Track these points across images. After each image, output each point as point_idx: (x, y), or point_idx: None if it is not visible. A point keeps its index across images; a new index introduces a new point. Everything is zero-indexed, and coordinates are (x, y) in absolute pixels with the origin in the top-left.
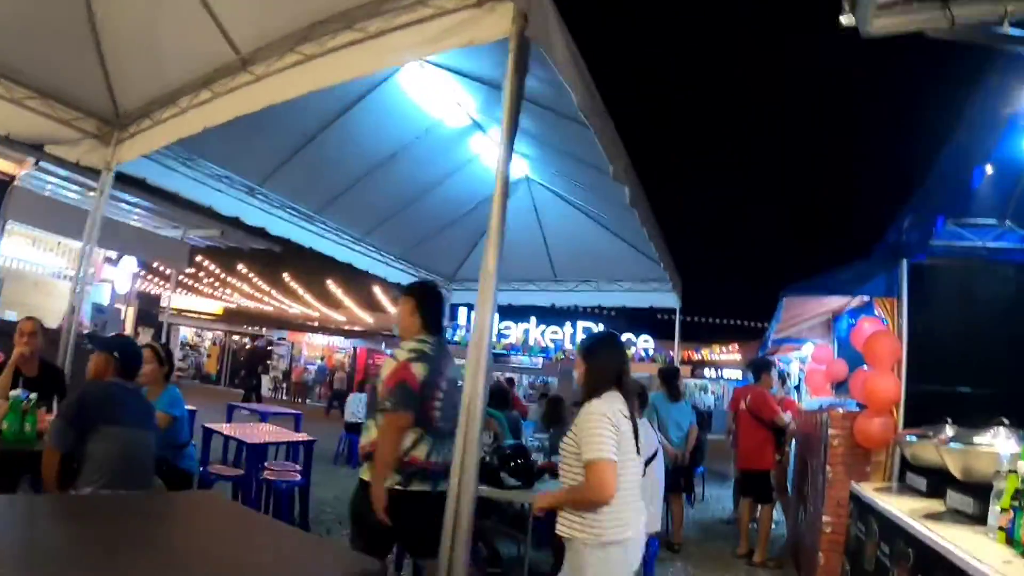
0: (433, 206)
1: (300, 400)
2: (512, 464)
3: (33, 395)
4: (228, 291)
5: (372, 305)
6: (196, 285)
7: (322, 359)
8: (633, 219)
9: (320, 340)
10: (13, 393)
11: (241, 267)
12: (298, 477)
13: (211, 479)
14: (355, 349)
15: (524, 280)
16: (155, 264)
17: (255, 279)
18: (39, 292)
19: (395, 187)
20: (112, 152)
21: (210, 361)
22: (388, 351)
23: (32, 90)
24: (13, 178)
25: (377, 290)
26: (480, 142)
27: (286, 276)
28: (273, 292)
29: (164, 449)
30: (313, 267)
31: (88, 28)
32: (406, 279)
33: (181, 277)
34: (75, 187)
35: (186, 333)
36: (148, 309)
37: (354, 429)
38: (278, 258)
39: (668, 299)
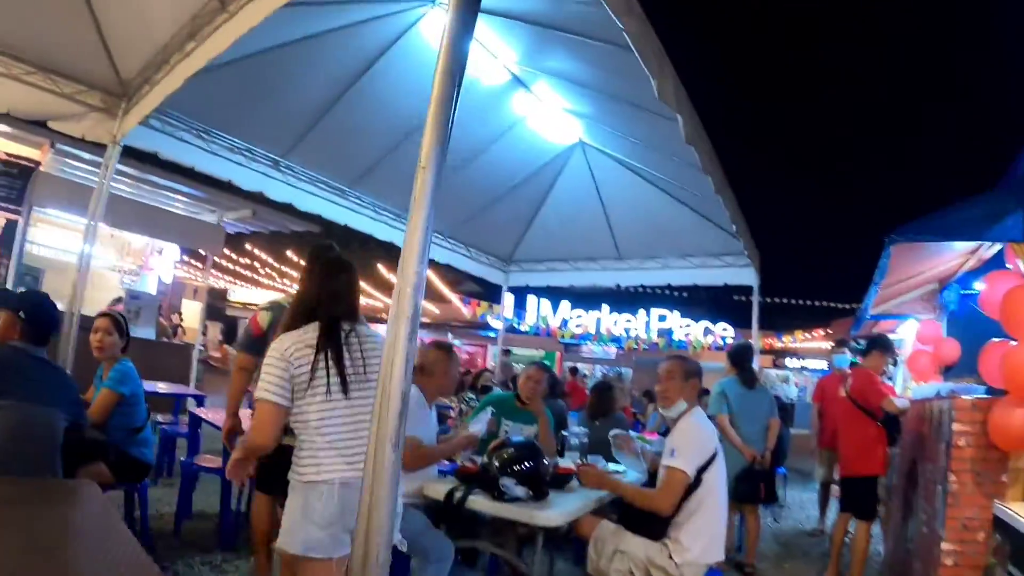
0: (477, 179)
1: None
2: (515, 469)
3: None
4: (287, 281)
5: (433, 295)
6: (256, 277)
7: None
8: (702, 184)
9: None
10: None
11: (290, 254)
12: None
13: (193, 470)
14: (423, 341)
15: (587, 259)
16: (195, 250)
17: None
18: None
19: (365, 134)
20: (118, 125)
21: None
22: (459, 343)
23: (32, 65)
24: (38, 164)
25: (432, 277)
26: (524, 102)
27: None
28: None
29: (114, 432)
30: (360, 251)
31: None
32: (459, 262)
33: (240, 269)
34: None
35: None
36: (215, 303)
37: None
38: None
39: (744, 275)
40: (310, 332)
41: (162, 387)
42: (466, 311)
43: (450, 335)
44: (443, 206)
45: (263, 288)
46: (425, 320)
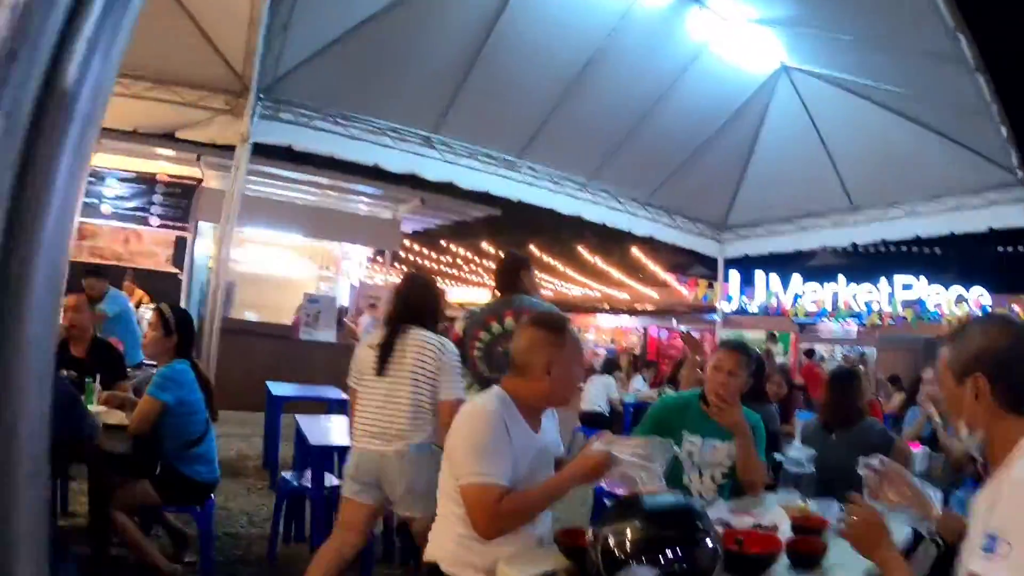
0: (664, 128)
1: None
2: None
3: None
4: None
5: (646, 278)
6: (463, 275)
7: (612, 342)
8: (960, 90)
9: (608, 322)
10: None
11: (486, 245)
12: None
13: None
14: (645, 330)
15: (810, 215)
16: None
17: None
18: (274, 292)
19: (603, 109)
20: (245, 124)
21: None
22: (683, 328)
23: (151, 81)
24: (200, 181)
25: (638, 253)
26: (701, 22)
27: (534, 247)
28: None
29: (165, 446)
30: (556, 232)
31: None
32: (663, 233)
33: (445, 268)
34: (265, 179)
35: None
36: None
37: (593, 421)
38: (512, 226)
39: (1017, 215)
40: None
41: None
42: (686, 292)
43: (675, 321)
44: (631, 167)
45: (472, 286)
46: (647, 307)
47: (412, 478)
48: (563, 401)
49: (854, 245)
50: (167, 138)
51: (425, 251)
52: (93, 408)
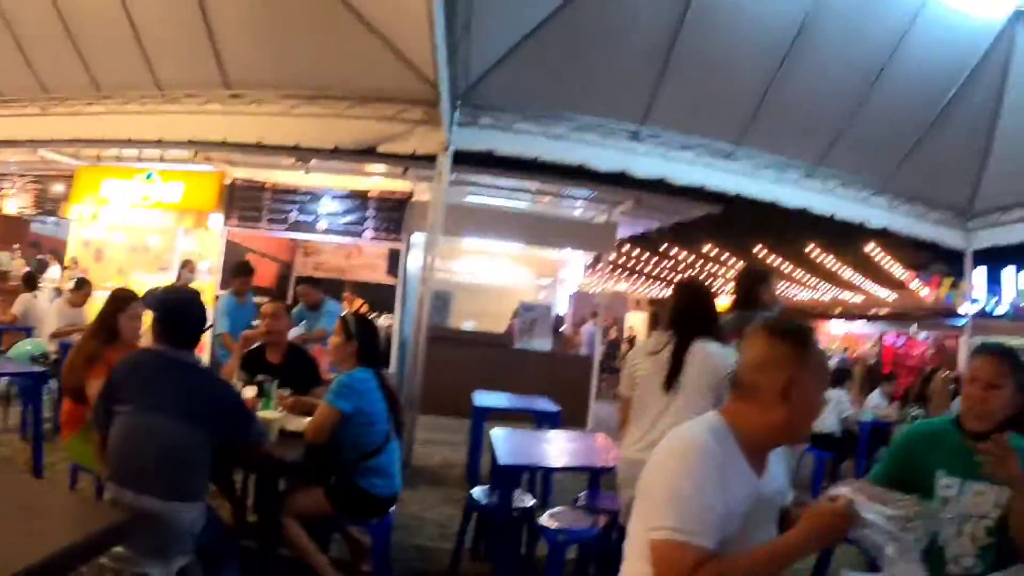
0: (893, 98)
1: None
2: None
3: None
4: (716, 280)
5: (881, 277)
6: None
7: (845, 350)
8: None
9: (838, 328)
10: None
11: (708, 248)
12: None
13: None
14: (880, 336)
15: None
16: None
17: (728, 257)
18: (492, 301)
19: (822, 82)
20: (443, 133)
21: None
22: (923, 335)
23: (350, 100)
24: (411, 194)
25: (872, 249)
26: None
27: (759, 249)
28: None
29: (343, 456)
30: (781, 230)
31: (353, 18)
32: (899, 223)
33: (669, 274)
34: (474, 188)
35: None
36: (657, 311)
37: (822, 444)
38: (734, 225)
39: None
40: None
41: (542, 404)
42: (927, 293)
43: (914, 327)
44: (859, 149)
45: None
46: (881, 311)
47: None
48: (800, 437)
49: None
50: (371, 154)
51: (645, 256)
52: (270, 414)
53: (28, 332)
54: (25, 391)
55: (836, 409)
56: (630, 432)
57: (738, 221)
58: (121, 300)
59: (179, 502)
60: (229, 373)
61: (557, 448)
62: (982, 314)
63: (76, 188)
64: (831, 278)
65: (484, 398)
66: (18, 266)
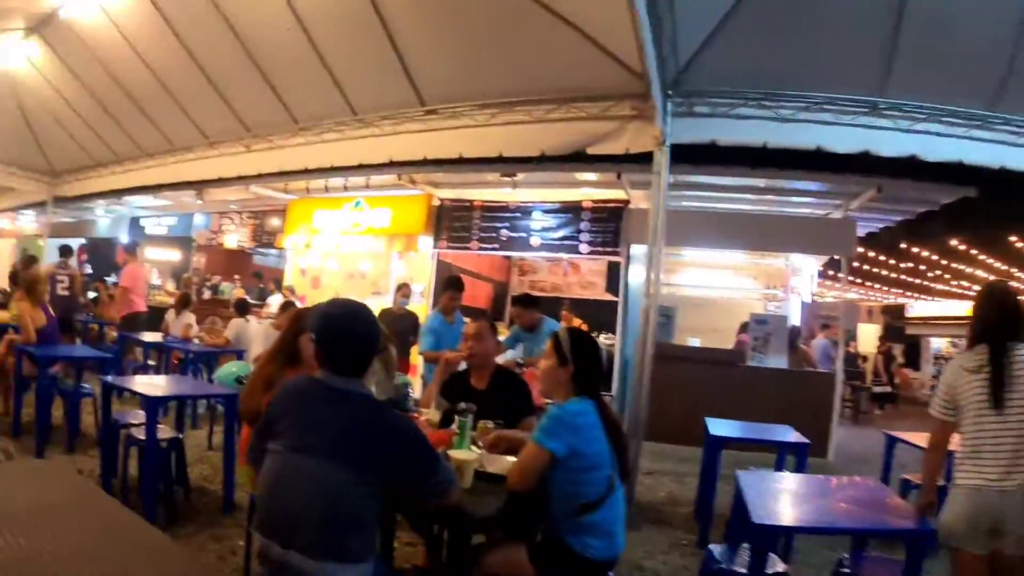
0: None
1: None
2: None
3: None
4: (964, 284)
5: None
6: (926, 283)
7: None
8: None
9: None
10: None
11: (956, 243)
12: None
13: None
14: None
15: None
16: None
17: (978, 253)
18: (718, 315)
19: None
20: (657, 126)
21: None
22: None
23: (553, 103)
24: (627, 202)
25: None
26: None
27: (1016, 239)
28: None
29: (553, 507)
30: None
31: (546, 14)
32: None
33: (903, 276)
34: (693, 192)
35: (939, 344)
36: (893, 323)
37: None
38: (987, 212)
39: None
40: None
41: (784, 433)
42: None
43: None
44: None
45: (939, 296)
46: None
47: None
48: None
49: None
50: (583, 160)
51: (881, 258)
52: (464, 454)
53: (239, 355)
54: (226, 411)
55: None
56: (967, 462)
57: (987, 207)
58: (302, 320)
59: (334, 562)
60: (428, 399)
61: (826, 500)
62: None
63: (289, 220)
64: None
65: (719, 426)
66: (237, 294)
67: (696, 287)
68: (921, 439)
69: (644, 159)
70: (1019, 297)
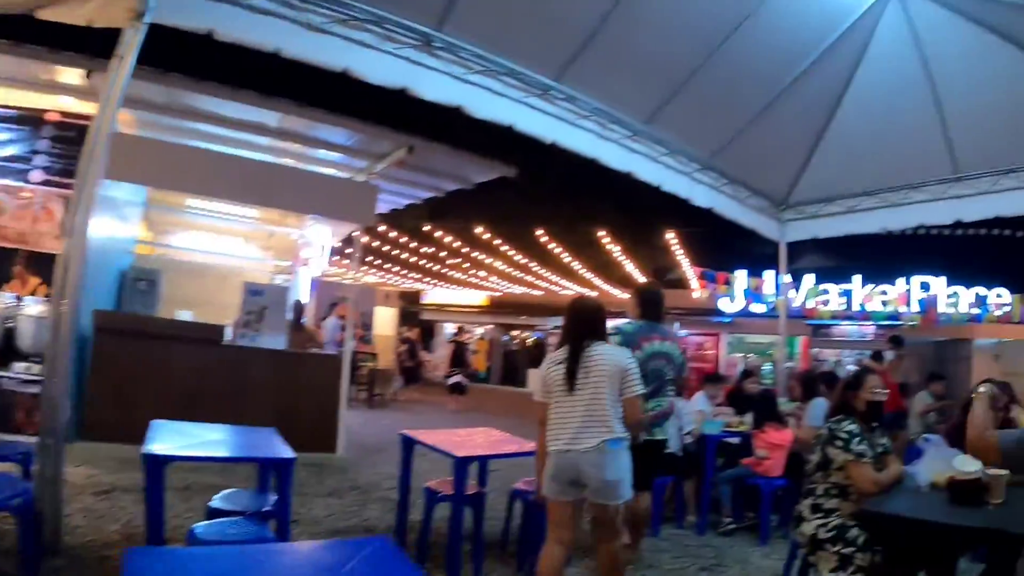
0: (739, 65)
1: None
2: None
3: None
4: (482, 275)
5: (657, 270)
6: (447, 272)
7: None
8: None
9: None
10: None
11: (481, 230)
12: None
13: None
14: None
15: (907, 187)
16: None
17: (514, 254)
18: (217, 286)
19: (665, 23)
20: None
21: (478, 358)
22: (683, 332)
23: None
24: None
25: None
26: None
27: (541, 234)
28: (541, 270)
29: None
30: (575, 214)
31: None
32: (724, 204)
33: (427, 263)
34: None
35: (451, 329)
36: (408, 306)
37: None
38: (519, 203)
39: None
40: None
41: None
42: (707, 289)
43: (676, 325)
44: (693, 115)
45: (456, 284)
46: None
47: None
48: None
49: (958, 221)
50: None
51: (403, 240)
52: None
53: None
54: None
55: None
56: (556, 432)
57: (524, 193)
58: None
59: None
60: None
61: None
62: (743, 312)
63: None
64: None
65: (166, 435)
66: None
67: (192, 251)
68: (432, 438)
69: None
70: (596, 305)
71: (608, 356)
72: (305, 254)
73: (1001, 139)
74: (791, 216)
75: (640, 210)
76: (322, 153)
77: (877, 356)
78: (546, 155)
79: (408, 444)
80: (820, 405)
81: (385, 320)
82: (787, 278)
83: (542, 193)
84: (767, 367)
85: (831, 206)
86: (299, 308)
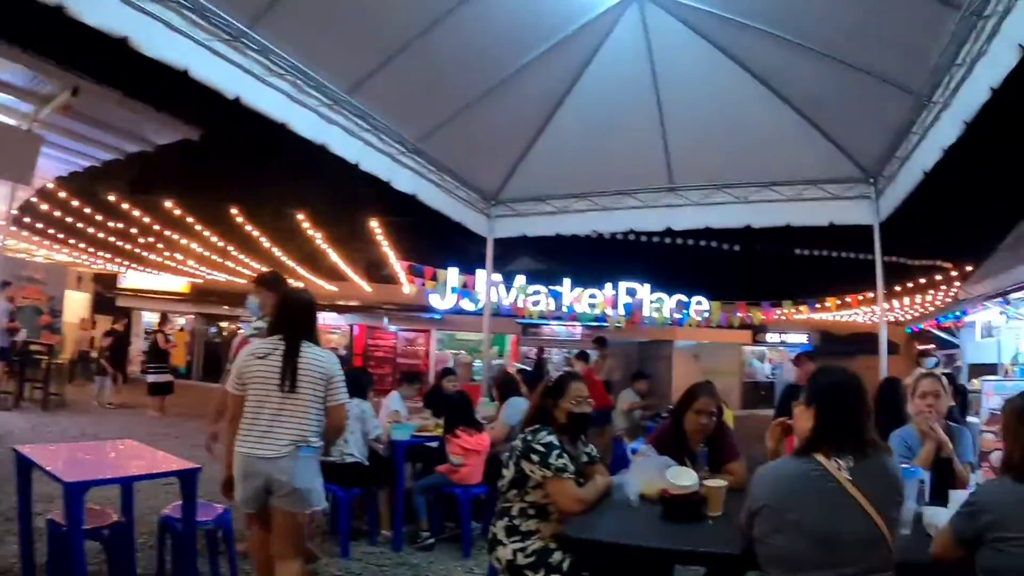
0: (459, 43)
1: None
2: None
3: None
4: (190, 260)
5: (369, 265)
6: (145, 254)
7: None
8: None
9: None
10: None
11: (171, 206)
12: None
13: None
14: (352, 328)
15: (620, 193)
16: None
17: (208, 233)
18: None
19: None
20: None
21: (176, 351)
22: (393, 328)
23: None
24: None
25: (377, 230)
26: None
27: (236, 214)
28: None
29: None
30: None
31: None
32: (429, 193)
33: (119, 241)
34: None
35: (151, 319)
36: (104, 292)
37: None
38: (214, 165)
39: (857, 211)
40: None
41: None
42: (414, 285)
43: (386, 321)
44: (395, 95)
45: (154, 268)
46: (353, 303)
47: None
48: None
49: (668, 228)
50: None
51: (87, 211)
52: None
53: None
54: None
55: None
56: (245, 433)
57: (217, 164)
58: None
59: None
60: None
61: None
62: (455, 310)
63: None
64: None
65: None
66: None
67: None
68: (50, 455)
69: None
70: (309, 300)
71: (318, 360)
72: None
73: (717, 155)
74: (501, 212)
75: (344, 194)
76: None
77: (583, 355)
78: (236, 119)
79: (25, 465)
80: (517, 404)
81: (76, 305)
82: (497, 276)
83: (234, 165)
84: (478, 364)
85: (543, 205)
86: None
